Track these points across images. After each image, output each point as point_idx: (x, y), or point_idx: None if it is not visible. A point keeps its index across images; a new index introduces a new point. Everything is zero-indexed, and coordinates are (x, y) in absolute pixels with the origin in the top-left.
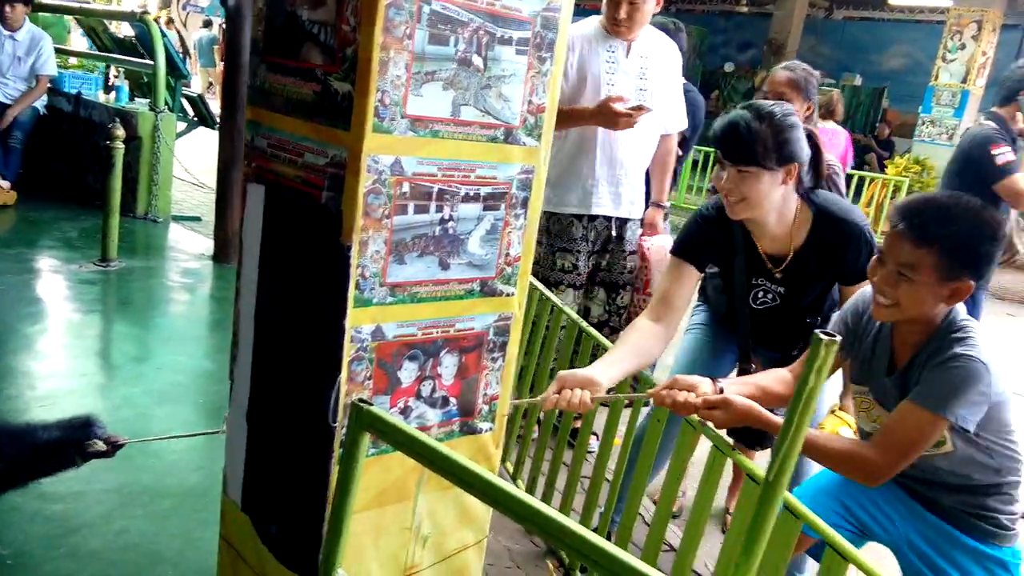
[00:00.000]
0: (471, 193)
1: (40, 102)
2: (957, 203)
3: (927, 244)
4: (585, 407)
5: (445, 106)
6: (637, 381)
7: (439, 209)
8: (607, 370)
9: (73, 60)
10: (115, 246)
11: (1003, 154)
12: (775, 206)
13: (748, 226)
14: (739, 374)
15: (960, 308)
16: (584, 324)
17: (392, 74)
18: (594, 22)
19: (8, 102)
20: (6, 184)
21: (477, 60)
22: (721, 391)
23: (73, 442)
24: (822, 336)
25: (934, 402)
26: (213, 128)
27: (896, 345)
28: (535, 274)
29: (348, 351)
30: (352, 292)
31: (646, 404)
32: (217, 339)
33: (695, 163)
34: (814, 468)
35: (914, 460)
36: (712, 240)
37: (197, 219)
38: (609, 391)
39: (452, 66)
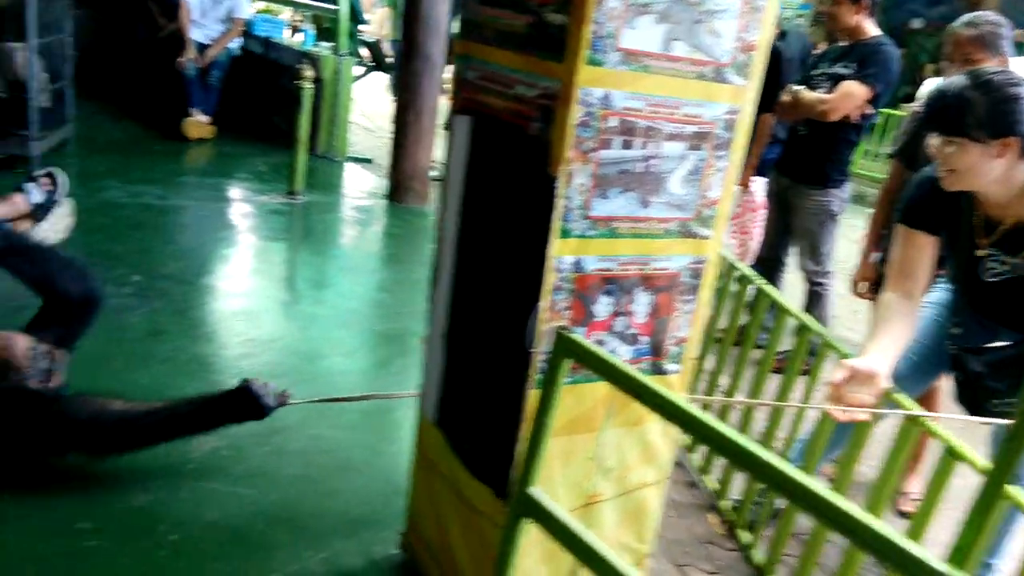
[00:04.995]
0: (676, 131)
1: (235, 44)
2: None
3: None
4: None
5: (657, 40)
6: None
7: (644, 145)
8: (883, 359)
9: (261, 4)
10: (302, 180)
11: None
12: (995, 179)
13: (973, 192)
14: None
15: None
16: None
17: (608, 6)
18: None
19: (208, 43)
20: (206, 119)
21: None
22: None
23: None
24: None
25: None
26: (388, 73)
27: None
28: None
29: (549, 280)
30: (557, 223)
31: None
32: (389, 273)
33: (876, 127)
34: None
35: None
36: (938, 202)
37: (369, 160)
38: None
39: None
